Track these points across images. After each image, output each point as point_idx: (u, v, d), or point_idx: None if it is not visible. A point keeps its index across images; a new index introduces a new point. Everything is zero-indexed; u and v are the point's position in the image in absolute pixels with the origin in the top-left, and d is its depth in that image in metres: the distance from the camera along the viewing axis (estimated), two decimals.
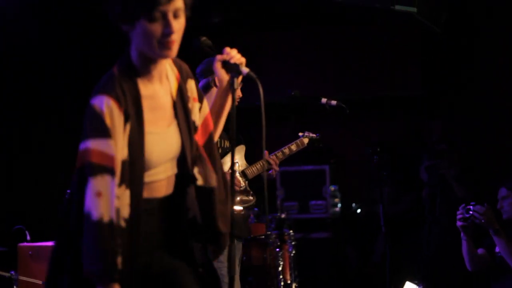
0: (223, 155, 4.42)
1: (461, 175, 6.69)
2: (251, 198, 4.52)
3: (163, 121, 2.63)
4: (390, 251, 4.67)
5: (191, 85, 2.77)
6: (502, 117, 7.42)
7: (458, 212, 4.65)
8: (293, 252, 5.52)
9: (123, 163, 2.48)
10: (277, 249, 5.34)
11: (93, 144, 2.43)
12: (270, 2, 8.03)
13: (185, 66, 2.78)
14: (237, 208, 4.41)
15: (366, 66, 8.23)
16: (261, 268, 5.25)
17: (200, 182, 2.70)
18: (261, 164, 4.56)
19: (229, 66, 2.73)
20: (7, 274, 4.63)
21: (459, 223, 4.64)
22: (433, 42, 7.81)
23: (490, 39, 7.54)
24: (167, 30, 2.46)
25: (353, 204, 8.45)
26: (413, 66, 8.09)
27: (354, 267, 8.33)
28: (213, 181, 2.72)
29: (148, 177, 2.59)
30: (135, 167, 2.51)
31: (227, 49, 2.75)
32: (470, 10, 7.58)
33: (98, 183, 2.41)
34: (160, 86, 2.64)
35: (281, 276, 5.31)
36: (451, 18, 6.56)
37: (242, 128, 4.43)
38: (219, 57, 2.77)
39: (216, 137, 2.93)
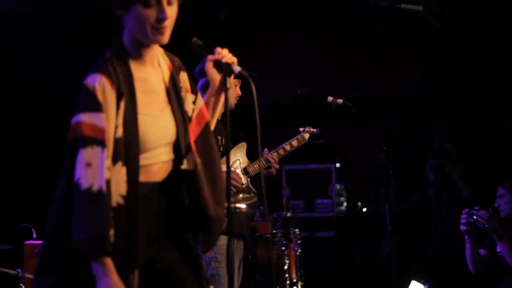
0: (224, 153, 4.42)
1: (466, 174, 6.68)
2: (253, 195, 4.51)
3: (156, 104, 2.67)
4: (396, 250, 4.66)
5: (184, 76, 2.82)
6: (506, 116, 7.41)
7: (462, 217, 4.64)
8: (299, 250, 5.53)
9: (118, 140, 2.52)
10: (283, 248, 5.35)
11: (85, 118, 2.47)
12: (274, 2, 8.04)
13: (177, 59, 2.83)
14: (240, 206, 4.40)
15: (371, 65, 8.22)
16: (267, 266, 5.25)
17: (183, 165, 2.72)
18: (258, 163, 4.54)
19: (221, 66, 2.75)
20: (13, 272, 4.63)
21: (462, 228, 4.64)
22: (438, 41, 7.80)
23: (495, 38, 7.53)
24: (161, 16, 2.52)
25: (359, 203, 8.45)
26: (418, 65, 8.08)
27: (359, 266, 8.32)
28: (198, 165, 2.73)
29: (145, 159, 2.62)
30: (130, 146, 2.55)
31: (219, 49, 2.78)
32: (475, 9, 7.57)
33: (88, 154, 2.45)
34: (152, 71, 2.70)
35: (286, 275, 5.32)
36: (456, 17, 6.54)
37: (243, 126, 4.43)
38: (210, 57, 2.79)
39: None
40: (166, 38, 2.59)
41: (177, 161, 2.72)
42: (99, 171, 2.44)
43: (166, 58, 2.78)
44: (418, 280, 5.48)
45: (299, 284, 5.47)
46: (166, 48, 2.77)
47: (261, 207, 6.64)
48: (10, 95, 6.66)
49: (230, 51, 2.80)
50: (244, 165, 4.54)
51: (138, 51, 2.64)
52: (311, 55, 8.42)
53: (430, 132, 8.09)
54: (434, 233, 6.56)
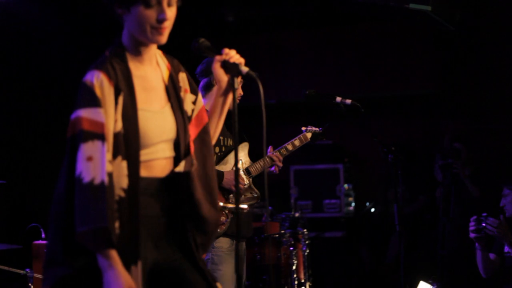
0: (226, 153, 4.41)
1: (475, 174, 6.66)
2: (255, 196, 4.49)
3: (156, 101, 2.71)
4: (404, 250, 4.64)
5: (183, 77, 2.86)
6: None
7: (471, 224, 4.60)
8: (307, 251, 5.52)
9: (118, 135, 2.55)
10: (291, 248, 5.35)
11: (84, 113, 2.51)
12: (284, 1, 8.04)
13: (177, 61, 2.87)
14: (242, 206, 4.38)
15: (379, 65, 8.21)
16: (275, 266, 5.25)
17: (178, 168, 2.74)
18: (264, 161, 4.53)
19: (228, 66, 2.77)
20: (22, 272, 4.65)
21: (472, 235, 4.60)
22: (447, 40, 7.78)
23: (505, 38, 7.51)
24: (162, 16, 2.57)
25: (367, 203, 8.44)
26: (427, 65, 8.07)
27: (367, 266, 8.31)
28: (194, 167, 2.76)
29: (146, 155, 2.65)
30: (130, 141, 2.58)
31: (226, 50, 2.80)
32: (484, 8, 7.55)
33: (89, 148, 2.48)
34: (151, 69, 2.74)
35: (295, 275, 5.31)
36: (465, 16, 6.53)
37: (247, 126, 4.43)
38: (218, 57, 2.81)
39: (216, 137, 2.99)
40: (164, 38, 2.64)
41: (178, 159, 2.75)
42: (101, 164, 2.47)
43: (165, 59, 2.82)
44: (426, 280, 5.47)
45: (307, 284, 5.47)
46: (169, 48, 2.79)
47: (270, 208, 6.65)
48: (26, 94, 6.69)
49: (237, 51, 2.81)
50: (246, 165, 4.52)
51: (137, 50, 2.68)
52: (319, 55, 8.41)
53: (438, 132, 8.07)
54: (442, 234, 6.54)
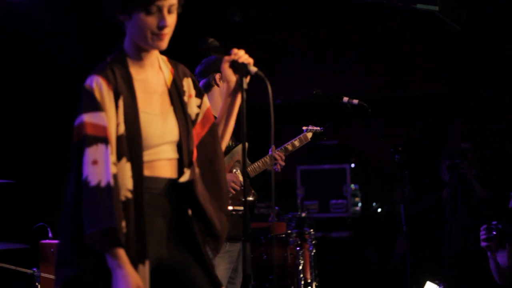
0: (226, 153, 4.39)
1: (482, 174, 6.65)
2: (251, 198, 4.44)
3: (157, 104, 2.75)
4: (411, 250, 4.64)
5: (188, 82, 2.90)
6: None
7: (482, 233, 4.55)
8: (314, 251, 5.52)
9: (121, 137, 2.62)
10: (298, 248, 5.34)
11: (87, 118, 2.59)
12: (289, 1, 8.04)
13: (182, 67, 2.92)
14: (238, 208, 4.35)
15: (387, 65, 8.19)
16: (282, 266, 5.25)
17: (182, 178, 2.77)
18: (263, 161, 4.49)
19: (237, 66, 2.78)
20: (29, 271, 4.66)
21: (483, 244, 4.55)
22: (455, 40, 7.77)
23: None
24: (162, 23, 2.63)
25: (374, 203, 8.43)
26: (435, 64, 8.04)
27: (374, 266, 8.31)
28: (196, 175, 2.79)
29: (149, 155, 2.69)
30: (133, 142, 2.64)
31: (235, 50, 2.81)
32: (493, 8, 7.53)
33: (93, 152, 2.55)
34: (153, 74, 2.79)
35: (301, 275, 5.31)
36: (473, 16, 6.52)
37: (251, 126, 4.40)
38: (226, 58, 2.83)
39: (228, 139, 3.01)
40: (165, 44, 2.70)
41: (181, 162, 2.78)
42: (106, 167, 2.54)
43: (169, 65, 2.86)
44: (433, 280, 5.46)
45: (314, 284, 5.47)
46: (175, 50, 2.80)
47: (276, 208, 6.64)
48: (34, 95, 6.71)
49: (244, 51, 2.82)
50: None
51: (138, 55, 2.74)
52: (326, 55, 8.41)
53: (446, 132, 8.06)
54: (449, 234, 6.53)
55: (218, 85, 4.22)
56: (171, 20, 2.66)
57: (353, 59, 8.31)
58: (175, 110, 2.78)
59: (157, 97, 2.76)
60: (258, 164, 4.45)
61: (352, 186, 8.22)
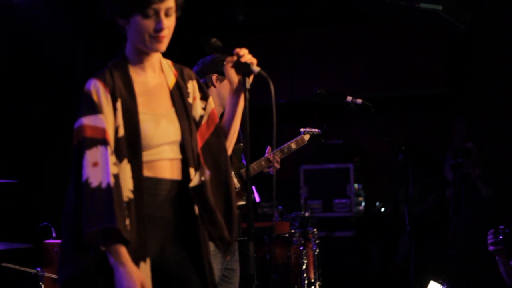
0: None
1: (485, 174, 6.64)
2: (243, 202, 4.37)
3: (158, 105, 2.80)
4: (414, 250, 4.63)
5: (193, 85, 2.93)
6: None
7: (489, 237, 4.52)
8: (317, 250, 5.52)
9: (121, 139, 2.66)
10: (301, 248, 5.34)
11: (86, 121, 2.64)
12: (292, 1, 8.03)
13: (187, 70, 2.96)
14: None
15: (390, 64, 8.18)
16: (285, 266, 5.25)
17: (192, 183, 2.79)
18: (258, 164, 4.42)
19: (240, 66, 2.77)
20: (33, 271, 4.66)
21: (491, 248, 4.51)
22: (458, 39, 7.75)
23: None
24: (159, 26, 2.68)
25: (377, 203, 8.43)
26: (438, 64, 8.03)
27: (377, 266, 8.30)
28: (206, 177, 2.82)
29: (148, 156, 2.72)
30: (133, 143, 2.68)
31: (238, 50, 2.80)
32: (495, 7, 7.52)
33: (93, 154, 2.60)
34: (154, 76, 2.84)
35: (305, 274, 5.31)
36: (476, 16, 6.50)
37: (253, 126, 4.38)
38: (229, 58, 2.83)
39: (234, 139, 3.00)
40: (164, 46, 2.75)
41: (185, 162, 2.79)
42: (106, 168, 2.58)
43: (173, 68, 2.90)
44: (436, 280, 5.45)
45: (317, 283, 5.47)
46: (180, 49, 2.81)
47: (280, 207, 6.65)
48: (37, 95, 6.71)
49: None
50: (240, 168, 4.43)
51: (139, 58, 2.79)
52: (329, 55, 8.40)
53: (449, 131, 8.05)
54: (452, 234, 6.52)
55: (214, 86, 4.20)
56: (168, 23, 2.71)
57: (356, 59, 8.29)
58: (177, 111, 2.80)
59: (158, 98, 2.80)
60: (253, 167, 4.38)
61: (356, 185, 8.21)
